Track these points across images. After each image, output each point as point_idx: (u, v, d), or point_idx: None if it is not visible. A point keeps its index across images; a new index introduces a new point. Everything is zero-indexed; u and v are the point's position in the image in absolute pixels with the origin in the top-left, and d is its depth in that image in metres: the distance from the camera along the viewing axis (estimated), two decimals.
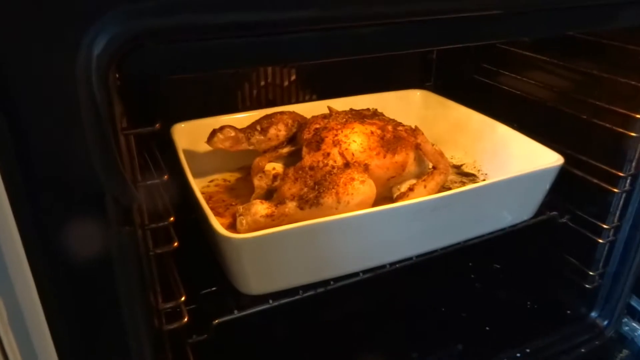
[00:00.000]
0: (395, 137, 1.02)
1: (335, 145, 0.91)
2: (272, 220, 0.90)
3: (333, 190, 0.83)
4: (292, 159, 1.07)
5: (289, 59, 0.58)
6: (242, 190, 1.14)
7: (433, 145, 1.04)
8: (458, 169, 1.24)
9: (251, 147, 1.08)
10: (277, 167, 1.05)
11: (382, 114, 1.16)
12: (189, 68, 0.46)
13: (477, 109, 1.23)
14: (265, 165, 0.97)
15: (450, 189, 1.14)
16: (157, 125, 0.58)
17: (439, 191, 1.01)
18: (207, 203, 0.95)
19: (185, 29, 0.44)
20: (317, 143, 0.93)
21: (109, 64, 0.42)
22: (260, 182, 1.02)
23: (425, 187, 0.99)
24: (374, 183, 0.94)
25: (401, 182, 1.04)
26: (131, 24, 0.42)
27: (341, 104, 1.21)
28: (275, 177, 1.03)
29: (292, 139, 1.11)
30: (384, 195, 1.05)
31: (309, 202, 0.83)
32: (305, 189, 0.86)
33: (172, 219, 0.61)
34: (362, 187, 0.85)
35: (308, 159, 0.91)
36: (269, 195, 1.03)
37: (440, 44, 0.69)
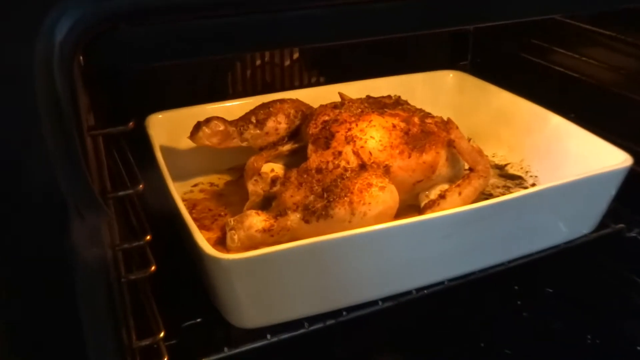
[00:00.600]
0: (423, 131, 1.03)
1: (348, 143, 0.93)
2: (270, 235, 0.91)
3: (346, 198, 0.85)
4: (295, 159, 1.07)
5: (294, 41, 0.59)
6: (233, 197, 1.14)
7: (470, 141, 1.05)
8: (501, 170, 1.24)
9: (244, 144, 1.10)
10: (276, 168, 1.06)
11: (406, 103, 1.17)
12: (173, 54, 0.47)
13: (525, 95, 1.22)
14: (261, 166, 0.99)
15: (491, 196, 1.15)
16: (130, 124, 0.59)
17: (478, 199, 1.02)
18: (191, 213, 0.96)
19: (169, 6, 0.45)
20: (325, 139, 0.95)
21: (73, 52, 0.43)
22: (255, 188, 1.04)
23: (460, 194, 1.00)
24: (397, 189, 0.95)
25: (430, 188, 1.04)
26: (101, 3, 0.42)
27: (356, 89, 1.22)
28: (274, 181, 1.04)
29: (294, 134, 1.12)
30: (409, 204, 1.05)
31: (316, 214, 0.85)
32: (312, 197, 0.88)
33: (148, 237, 0.62)
34: (382, 195, 0.87)
35: (315, 159, 0.93)
36: (267, 203, 1.04)
37: (482, 20, 0.71)
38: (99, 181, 0.53)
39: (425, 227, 0.83)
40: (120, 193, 0.58)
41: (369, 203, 0.86)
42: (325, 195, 0.88)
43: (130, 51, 0.46)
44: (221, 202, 1.12)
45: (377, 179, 0.88)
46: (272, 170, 1.04)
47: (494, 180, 1.18)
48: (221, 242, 0.97)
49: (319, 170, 0.92)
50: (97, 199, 0.48)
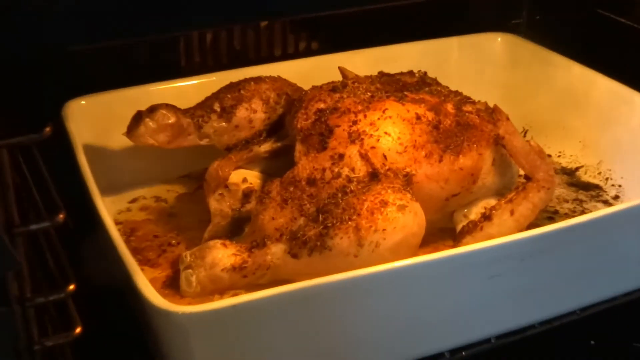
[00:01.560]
0: (460, 124, 1.04)
1: (353, 142, 0.96)
2: (242, 276, 0.93)
3: (350, 223, 0.88)
4: (278, 165, 1.08)
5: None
6: (188, 219, 1.14)
7: (526, 136, 1.08)
8: (571, 177, 1.24)
9: (204, 142, 1.11)
10: (250, 177, 1.06)
11: (435, 82, 1.18)
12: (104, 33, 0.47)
13: (604, 70, 1.23)
14: (229, 174, 1.01)
15: (557, 215, 1.15)
16: (47, 129, 0.60)
17: (538, 221, 1.02)
18: (127, 242, 0.99)
19: None
20: (321, 137, 0.98)
21: None
22: (220, 206, 1.05)
23: (512, 213, 1.01)
24: (423, 208, 0.93)
25: (470, 205, 1.06)
26: None
27: (363, 61, 1.23)
28: (247, 195, 1.05)
29: (276, 128, 1.13)
30: (440, 227, 1.06)
31: (308, 245, 0.88)
32: (301, 221, 0.91)
33: (72, 287, 0.63)
34: (402, 218, 0.89)
35: (306, 165, 0.96)
36: (237, 228, 1.05)
37: None
38: (3, 212, 0.53)
39: (464, 264, 0.85)
40: (33, 227, 0.59)
41: (383, 229, 0.88)
42: (321, 219, 0.90)
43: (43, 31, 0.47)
44: (171, 226, 1.12)
45: (394, 194, 0.90)
46: (245, 180, 1.04)
47: (560, 191, 1.18)
48: (172, 285, 0.98)
49: (311, 182, 0.95)
50: (1, 238, 0.49)
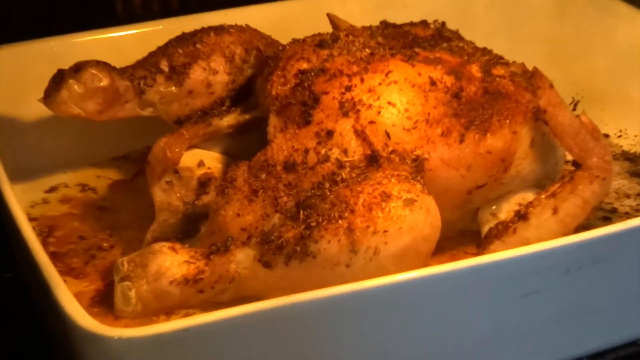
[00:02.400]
0: (489, 92, 1.06)
1: (346, 114, 0.98)
2: (198, 291, 0.94)
3: (341, 222, 0.90)
4: (245, 143, 1.11)
5: None
6: (123, 214, 1.16)
7: (576, 109, 1.11)
8: (634, 164, 1.26)
9: (147, 113, 1.13)
10: (208, 160, 1.08)
11: (456, 35, 1.20)
12: None
13: None
14: (180, 155, 1.03)
15: (615, 214, 1.17)
16: None
17: (590, 222, 1.05)
18: (45, 243, 1.00)
19: None
20: (303, 107, 1.00)
21: None
22: (168, 197, 1.07)
23: (555, 211, 1.03)
24: (438, 202, 0.96)
25: (500, 199, 1.08)
26: None
27: (361, 5, 1.26)
28: (203, 183, 1.07)
29: (243, 95, 1.15)
30: (461, 228, 1.09)
31: (285, 251, 0.90)
32: (276, 218, 0.93)
33: None
34: (410, 217, 0.92)
35: (282, 144, 0.98)
36: (191, 227, 1.07)
37: None
38: None
39: (490, 278, 0.88)
40: None
41: (385, 231, 0.90)
42: (302, 216, 0.91)
43: None
44: (102, 224, 1.13)
45: (400, 184, 0.92)
46: (201, 163, 1.06)
47: (620, 182, 1.20)
48: (105, 302, 1.00)
49: (289, 167, 0.97)
50: None
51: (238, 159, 1.04)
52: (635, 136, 1.24)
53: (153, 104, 1.09)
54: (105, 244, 1.08)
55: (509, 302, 0.90)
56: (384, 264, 0.91)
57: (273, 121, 1.03)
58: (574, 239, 0.92)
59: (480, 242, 1.05)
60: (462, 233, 1.07)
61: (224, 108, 1.10)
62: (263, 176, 0.99)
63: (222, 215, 0.97)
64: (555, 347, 0.96)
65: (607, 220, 1.14)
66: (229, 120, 1.09)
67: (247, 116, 1.08)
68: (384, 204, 0.92)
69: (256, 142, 1.03)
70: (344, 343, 0.87)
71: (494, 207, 1.07)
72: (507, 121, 1.03)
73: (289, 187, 0.98)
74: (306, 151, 0.99)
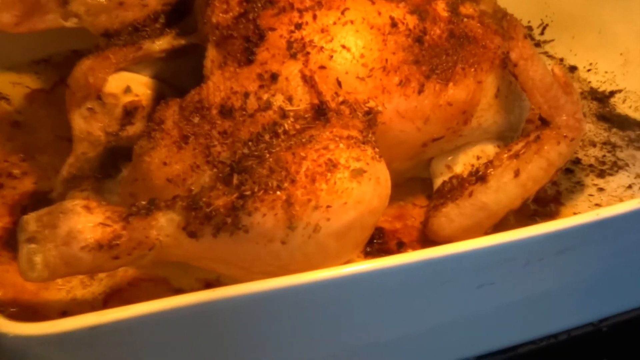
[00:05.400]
0: (455, 36, 0.96)
1: (294, 56, 0.89)
2: (113, 257, 0.83)
3: (279, 194, 0.82)
4: (180, 69, 1.00)
5: None
6: (41, 132, 1.05)
7: (543, 35, 1.02)
8: (603, 105, 1.15)
9: (70, 24, 1.00)
10: (136, 86, 0.98)
11: None
12: None
13: None
14: (104, 80, 0.95)
15: (577, 166, 1.07)
16: None
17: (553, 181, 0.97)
18: None
19: None
20: (246, 43, 0.90)
21: None
22: (89, 126, 0.96)
23: (517, 173, 0.94)
24: (390, 154, 0.91)
25: (457, 150, 0.99)
26: None
27: None
28: (129, 113, 0.97)
29: (181, 12, 1.03)
30: (410, 176, 1.01)
31: (215, 221, 0.81)
32: (207, 176, 0.86)
33: None
34: (358, 190, 0.84)
35: (220, 83, 0.89)
36: (112, 163, 0.96)
37: None
38: None
39: (443, 271, 0.81)
40: None
41: (328, 207, 0.83)
42: (235, 181, 0.83)
43: None
44: (16, 144, 1.02)
45: (349, 150, 0.85)
46: (128, 90, 0.97)
47: (586, 127, 1.09)
48: (12, 243, 0.90)
49: (226, 112, 0.88)
50: None
51: (170, 85, 0.97)
52: (606, 72, 1.13)
53: (78, 15, 0.98)
54: (16, 171, 0.96)
55: (462, 293, 0.85)
56: (324, 242, 0.84)
57: (211, 54, 0.92)
58: (537, 230, 0.84)
59: (431, 194, 0.99)
60: (411, 180, 1.00)
61: (157, 25, 0.99)
62: (196, 120, 0.89)
63: (147, 162, 0.89)
64: (508, 333, 0.93)
65: (569, 172, 1.06)
66: (161, 44, 0.98)
67: (182, 41, 0.97)
68: (329, 174, 0.84)
69: (192, 72, 0.93)
70: (275, 340, 0.82)
71: (449, 158, 0.99)
72: (473, 69, 0.94)
73: (224, 135, 0.88)
74: (246, 95, 0.89)
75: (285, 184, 0.83)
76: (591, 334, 0.95)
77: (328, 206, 0.83)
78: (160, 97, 0.96)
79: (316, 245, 0.84)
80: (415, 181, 0.99)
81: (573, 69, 1.16)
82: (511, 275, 0.85)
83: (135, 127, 0.95)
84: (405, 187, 0.98)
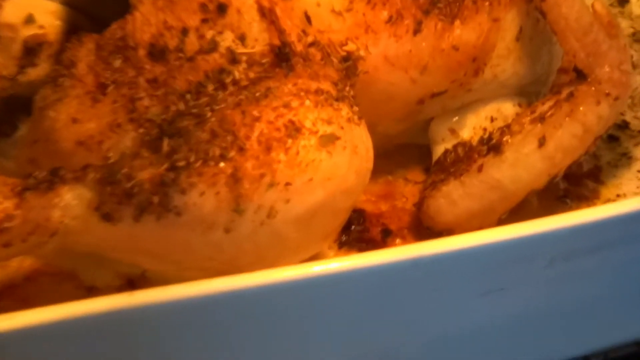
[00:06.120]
0: None
1: None
2: (3, 244, 0.82)
3: (222, 166, 0.82)
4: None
5: None
6: None
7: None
8: None
9: None
10: (40, 13, 0.96)
11: None
12: None
13: None
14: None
15: (625, 132, 1.08)
16: None
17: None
18: None
19: None
20: None
21: None
22: None
23: (542, 141, 0.92)
24: (377, 113, 0.92)
25: (465, 109, 1.00)
26: None
27: None
28: (31, 51, 0.96)
29: None
30: (403, 142, 1.01)
31: (136, 201, 0.81)
32: (130, 138, 0.85)
33: None
34: (327, 162, 0.85)
35: (150, 15, 0.89)
36: (8, 117, 0.95)
37: None
38: None
39: (438, 273, 0.81)
40: None
41: (287, 184, 0.83)
42: (165, 147, 0.82)
43: None
44: None
45: (317, 109, 0.85)
46: (30, 18, 0.96)
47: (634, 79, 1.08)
48: None
49: (157, 53, 0.88)
50: None
51: (86, 14, 0.96)
52: None
53: None
54: None
55: (462, 302, 0.85)
56: (282, 230, 0.84)
57: None
58: (567, 219, 0.83)
59: (428, 167, 0.99)
60: (403, 148, 1.00)
61: None
62: (117, 63, 0.88)
63: (51, 117, 0.88)
64: (521, 355, 0.92)
65: (612, 141, 1.05)
66: None
67: None
68: (289, 141, 0.84)
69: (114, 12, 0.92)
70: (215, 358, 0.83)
71: (454, 120, 0.99)
72: (487, 3, 0.94)
73: (154, 84, 0.87)
74: (184, 31, 0.88)
75: (232, 153, 0.82)
76: (635, 356, 0.95)
77: (287, 183, 0.83)
78: (72, 30, 0.95)
79: (271, 234, 0.83)
80: (408, 149, 1.00)
81: (623, 2, 1.16)
82: (528, 280, 0.85)
83: (39, 70, 0.94)
84: (395, 157, 0.99)
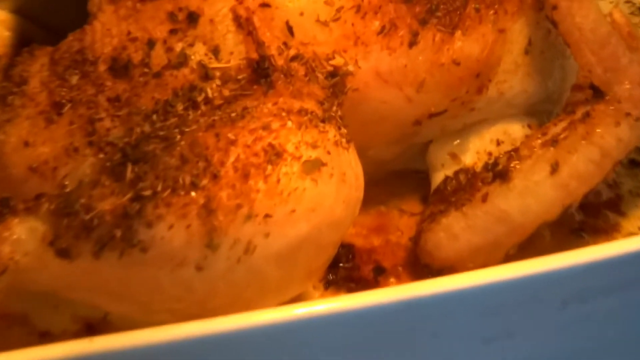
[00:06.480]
0: None
1: None
2: None
3: (194, 195, 0.81)
4: (51, 8, 1.00)
5: None
6: None
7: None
8: None
9: None
10: None
11: None
12: None
13: None
14: None
15: None
16: None
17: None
18: None
19: None
20: None
21: None
22: None
23: (555, 167, 0.92)
24: (370, 135, 0.93)
25: (468, 131, 1.00)
26: None
27: None
28: None
29: None
30: (399, 169, 1.01)
31: (96, 236, 0.80)
32: (89, 164, 0.84)
33: None
34: (313, 191, 0.85)
35: (112, 24, 0.89)
36: None
37: None
38: None
39: (436, 313, 0.81)
40: None
41: (267, 216, 0.82)
42: (129, 174, 0.82)
43: None
44: None
45: (300, 131, 0.84)
46: None
47: None
48: None
49: (119, 69, 0.88)
50: None
51: (40, 24, 0.99)
52: None
53: None
54: None
55: (462, 349, 0.84)
56: (260, 268, 0.84)
57: None
58: (583, 255, 0.82)
59: (426, 196, 0.99)
60: (398, 175, 1.00)
61: None
62: (74, 79, 0.88)
63: (0, 141, 0.87)
64: None
65: (635, 166, 1.06)
66: None
67: None
68: (269, 168, 0.84)
69: (72, 3, 0.93)
70: None
71: (455, 143, 0.99)
72: (491, 11, 0.95)
73: (116, 103, 0.87)
74: (150, 43, 0.89)
75: (204, 181, 0.82)
76: None
77: (267, 215, 0.82)
78: (23, 42, 0.96)
79: (249, 272, 0.83)
80: (403, 176, 1.01)
81: None
82: (538, 324, 0.84)
83: None
84: (388, 185, 0.99)
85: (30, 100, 0.88)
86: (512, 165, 0.92)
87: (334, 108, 0.87)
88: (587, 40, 0.92)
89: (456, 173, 0.95)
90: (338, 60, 0.89)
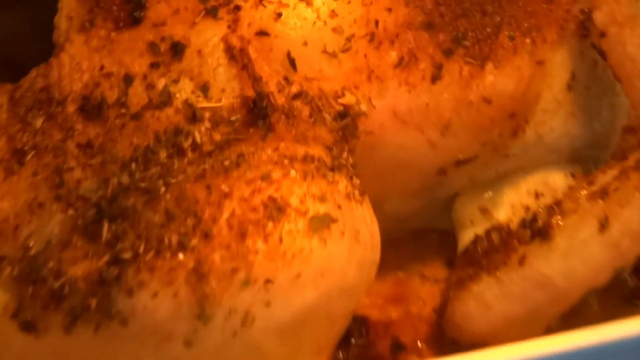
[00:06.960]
0: None
1: (212, 13, 0.91)
2: None
3: (183, 258, 0.80)
4: (13, 37, 1.02)
5: None
6: None
7: None
8: None
9: None
10: None
11: None
12: None
13: None
14: None
15: None
16: None
17: None
18: None
19: None
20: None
21: None
22: None
23: (605, 223, 0.91)
24: (383, 186, 0.92)
25: (499, 181, 1.00)
26: None
27: None
28: None
29: None
30: (417, 228, 1.01)
31: (68, 308, 0.79)
32: (57, 222, 0.83)
33: None
34: (321, 253, 0.83)
35: (82, 58, 0.89)
36: None
37: None
38: None
39: None
40: None
41: (267, 281, 0.81)
42: (105, 234, 0.81)
43: None
44: None
45: (306, 182, 0.84)
46: None
47: None
48: None
49: (91, 109, 0.87)
50: None
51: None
52: None
53: None
54: None
55: None
56: (260, 344, 0.83)
57: (68, 5, 0.93)
58: (633, 328, 0.82)
59: (452, 259, 0.98)
60: (419, 234, 0.99)
61: None
62: (38, 122, 0.88)
63: None
64: None
65: None
66: None
67: None
68: (270, 224, 0.83)
69: (36, 32, 0.95)
70: None
71: (487, 196, 0.98)
72: (528, 40, 0.94)
73: (88, 150, 0.87)
74: (127, 79, 0.88)
75: (194, 241, 0.81)
76: None
77: (268, 281, 0.81)
78: None
79: (246, 348, 0.82)
80: (425, 236, 1.00)
81: None
82: None
83: None
84: (408, 247, 0.98)
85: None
86: (553, 221, 0.90)
87: (345, 154, 0.86)
88: (639, 72, 0.92)
89: (488, 231, 0.94)
90: (348, 98, 0.88)
